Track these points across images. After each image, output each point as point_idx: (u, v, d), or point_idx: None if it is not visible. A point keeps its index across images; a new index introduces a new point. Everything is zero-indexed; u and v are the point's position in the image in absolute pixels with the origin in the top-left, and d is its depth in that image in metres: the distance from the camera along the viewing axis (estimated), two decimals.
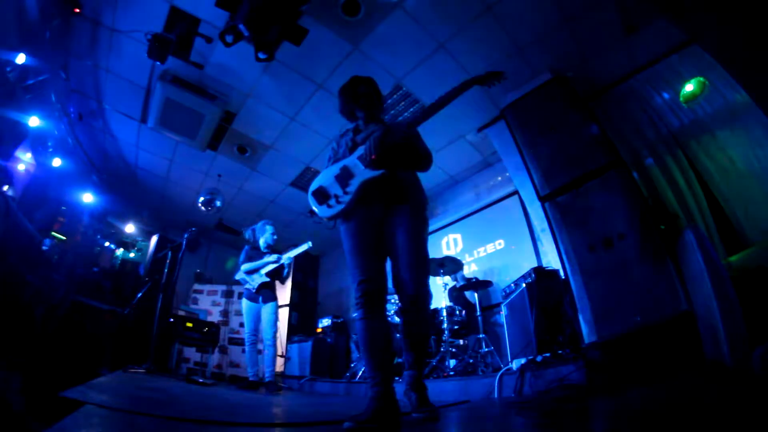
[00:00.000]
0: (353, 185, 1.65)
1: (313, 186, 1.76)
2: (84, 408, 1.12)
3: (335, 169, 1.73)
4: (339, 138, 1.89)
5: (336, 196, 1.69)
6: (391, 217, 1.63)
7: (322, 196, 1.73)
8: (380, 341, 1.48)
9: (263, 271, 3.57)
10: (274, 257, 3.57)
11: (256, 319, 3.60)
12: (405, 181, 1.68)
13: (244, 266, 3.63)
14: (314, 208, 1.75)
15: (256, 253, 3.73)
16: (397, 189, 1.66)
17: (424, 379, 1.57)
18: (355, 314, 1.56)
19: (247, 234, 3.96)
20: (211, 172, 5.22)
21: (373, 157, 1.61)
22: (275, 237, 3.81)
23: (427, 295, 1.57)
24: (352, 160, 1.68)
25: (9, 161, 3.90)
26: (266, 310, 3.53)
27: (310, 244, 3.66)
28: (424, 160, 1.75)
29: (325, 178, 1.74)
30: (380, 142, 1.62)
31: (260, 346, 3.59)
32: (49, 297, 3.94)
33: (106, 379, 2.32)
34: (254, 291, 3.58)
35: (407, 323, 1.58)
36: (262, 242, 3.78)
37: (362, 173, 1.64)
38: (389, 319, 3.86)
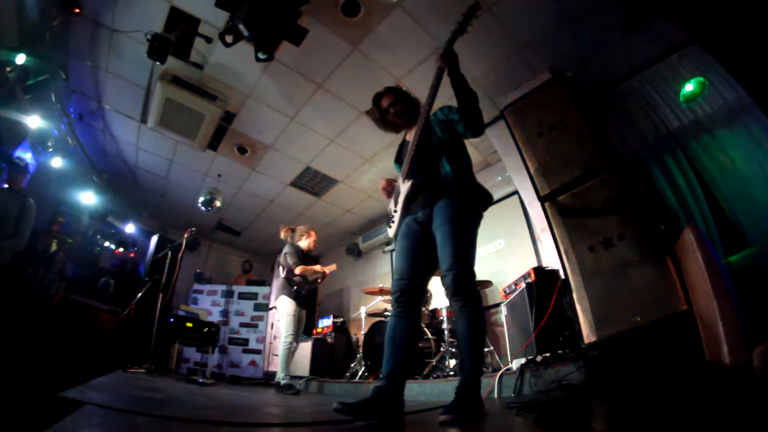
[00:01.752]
0: (398, 203, 1.74)
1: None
2: (84, 408, 1.12)
3: (395, 192, 1.86)
4: None
5: (391, 217, 1.82)
6: (432, 219, 1.64)
7: (387, 219, 1.87)
8: (397, 337, 1.49)
9: (311, 278, 3.65)
10: (318, 266, 3.73)
11: (299, 322, 3.59)
12: (441, 177, 1.65)
13: (300, 268, 3.58)
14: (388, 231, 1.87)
15: (303, 256, 3.75)
16: (436, 191, 1.65)
17: (467, 385, 1.45)
18: None
19: (283, 234, 3.99)
20: (211, 172, 5.22)
21: (406, 171, 1.71)
22: (315, 245, 3.95)
23: (462, 293, 1.49)
24: (400, 178, 1.79)
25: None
26: (304, 314, 3.67)
27: (334, 267, 3.95)
28: (470, 123, 1.70)
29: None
30: (411, 153, 1.69)
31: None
32: (41, 294, 3.96)
33: (106, 379, 2.32)
34: (303, 295, 3.59)
35: (455, 323, 1.60)
36: (304, 246, 3.82)
37: (402, 188, 1.73)
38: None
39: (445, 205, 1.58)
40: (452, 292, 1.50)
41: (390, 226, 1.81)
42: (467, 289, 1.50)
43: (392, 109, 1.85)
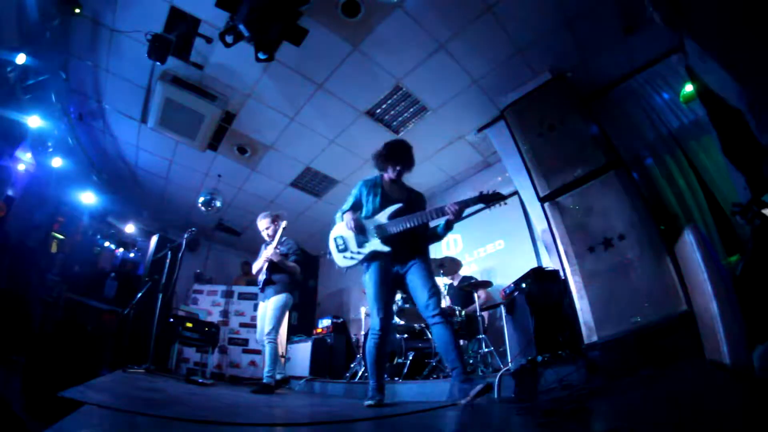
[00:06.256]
0: None
1: None
2: (84, 408, 1.12)
3: None
4: None
5: None
6: None
7: None
8: None
9: (264, 268, 3.45)
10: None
11: (261, 317, 3.44)
12: None
13: (253, 266, 3.57)
14: None
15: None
16: None
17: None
18: None
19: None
20: (211, 172, 5.22)
21: None
22: (268, 233, 3.59)
23: None
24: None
25: (9, 161, 3.91)
26: (268, 305, 3.36)
27: (285, 222, 3.55)
28: None
29: None
30: None
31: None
32: (44, 296, 3.95)
33: (106, 379, 2.32)
34: (260, 290, 3.46)
35: None
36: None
37: None
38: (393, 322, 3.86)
39: None
40: None
41: None
42: None
43: None
